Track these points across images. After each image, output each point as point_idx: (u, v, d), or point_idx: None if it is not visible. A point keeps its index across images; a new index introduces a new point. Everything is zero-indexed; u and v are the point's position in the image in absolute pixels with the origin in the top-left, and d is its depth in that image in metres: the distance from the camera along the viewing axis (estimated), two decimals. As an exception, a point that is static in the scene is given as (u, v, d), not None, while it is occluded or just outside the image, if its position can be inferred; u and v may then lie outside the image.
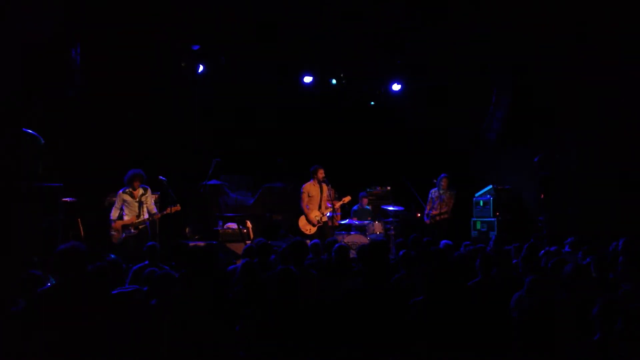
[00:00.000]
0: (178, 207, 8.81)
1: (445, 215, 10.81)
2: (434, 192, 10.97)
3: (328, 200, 10.03)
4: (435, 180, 10.98)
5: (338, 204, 10.27)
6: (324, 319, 4.29)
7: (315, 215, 9.96)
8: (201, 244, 9.25)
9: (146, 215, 8.65)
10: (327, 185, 10.09)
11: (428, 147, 13.30)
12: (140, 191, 8.68)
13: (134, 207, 8.60)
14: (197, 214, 10.21)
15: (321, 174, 9.93)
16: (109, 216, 8.69)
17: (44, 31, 7.78)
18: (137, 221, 8.58)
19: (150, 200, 8.73)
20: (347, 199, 10.35)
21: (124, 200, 8.62)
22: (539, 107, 10.87)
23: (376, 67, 12.27)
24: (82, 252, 3.94)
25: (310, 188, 10.00)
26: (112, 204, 9.71)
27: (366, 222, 10.75)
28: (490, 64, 11.27)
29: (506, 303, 4.79)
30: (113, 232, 8.57)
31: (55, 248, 4.03)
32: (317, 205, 9.99)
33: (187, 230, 10.53)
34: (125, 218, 8.64)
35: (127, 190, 8.65)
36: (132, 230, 8.55)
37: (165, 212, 8.80)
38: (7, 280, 4.87)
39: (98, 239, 9.37)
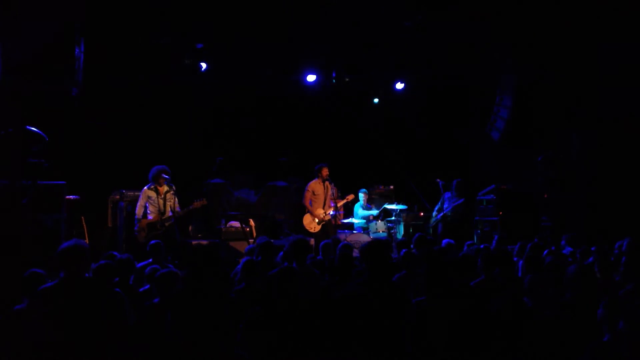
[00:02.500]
0: (204, 202, 8.70)
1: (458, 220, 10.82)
2: (449, 197, 10.88)
3: (331, 199, 10.04)
4: (439, 181, 10.94)
5: (341, 203, 10.27)
6: (325, 318, 4.28)
7: (319, 213, 9.97)
8: (204, 242, 9.27)
9: (170, 213, 8.48)
10: (331, 183, 10.09)
11: (431, 146, 13.30)
12: (166, 188, 8.53)
13: (159, 204, 8.44)
14: (200, 212, 10.19)
15: (325, 172, 9.95)
16: (134, 214, 8.64)
17: (48, 29, 7.80)
18: (161, 219, 8.45)
19: (174, 199, 8.54)
20: (350, 197, 10.33)
21: (149, 197, 8.48)
22: (543, 106, 10.84)
23: (379, 66, 12.25)
24: (85, 249, 3.95)
25: (315, 186, 10.02)
26: (115, 202, 9.75)
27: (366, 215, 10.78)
28: (494, 62, 11.24)
29: (508, 303, 4.77)
30: (139, 231, 8.45)
31: (59, 246, 4.05)
32: (321, 203, 10.01)
33: (190, 228, 10.54)
34: (150, 216, 8.51)
35: (152, 186, 8.52)
36: (158, 227, 8.42)
37: (192, 208, 8.65)
38: (9, 278, 4.88)
39: (101, 237, 9.41)
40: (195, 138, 11.48)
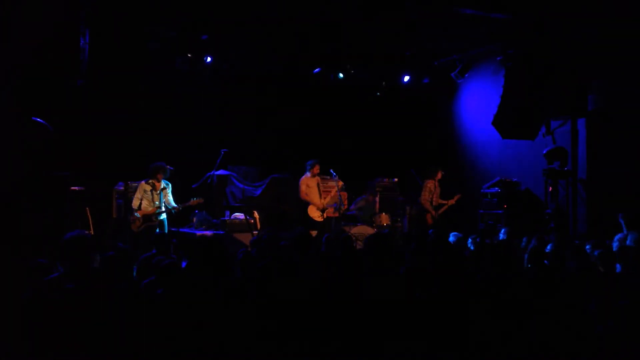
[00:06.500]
0: (201, 200, 9.02)
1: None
2: (433, 184, 10.76)
3: (337, 192, 10.24)
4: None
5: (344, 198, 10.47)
6: (328, 309, 4.30)
7: (317, 202, 10.29)
8: (208, 233, 9.31)
9: (163, 208, 8.79)
10: (334, 176, 10.33)
11: (436, 138, 13.28)
12: (162, 185, 8.82)
13: (155, 198, 8.71)
14: (204, 204, 10.23)
15: (317, 169, 10.35)
16: (130, 204, 8.90)
17: (53, 20, 7.80)
18: (157, 212, 8.72)
19: (169, 195, 8.88)
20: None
21: (145, 191, 8.73)
22: (549, 98, 10.80)
23: (385, 58, 12.22)
24: (88, 240, 3.97)
25: (308, 180, 10.35)
26: (120, 193, 9.81)
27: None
28: (500, 54, 11.19)
29: (514, 297, 4.78)
30: (134, 221, 8.71)
31: (63, 237, 4.06)
32: (316, 195, 10.32)
33: (194, 220, 10.57)
34: (143, 209, 8.75)
35: (149, 181, 8.75)
36: (153, 220, 8.70)
37: (188, 204, 8.94)
38: (13, 268, 4.91)
39: (106, 228, 9.45)
40: (199, 130, 11.48)
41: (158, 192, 8.73)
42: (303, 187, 10.31)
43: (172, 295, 4.19)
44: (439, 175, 10.71)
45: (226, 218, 10.18)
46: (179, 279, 4.27)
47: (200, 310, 4.01)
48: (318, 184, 10.38)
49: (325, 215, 10.27)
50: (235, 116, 11.94)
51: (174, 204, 8.87)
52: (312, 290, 4.49)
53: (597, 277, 4.67)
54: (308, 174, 10.36)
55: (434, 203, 10.64)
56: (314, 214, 10.29)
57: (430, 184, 10.62)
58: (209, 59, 11.20)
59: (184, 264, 4.95)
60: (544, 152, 10.62)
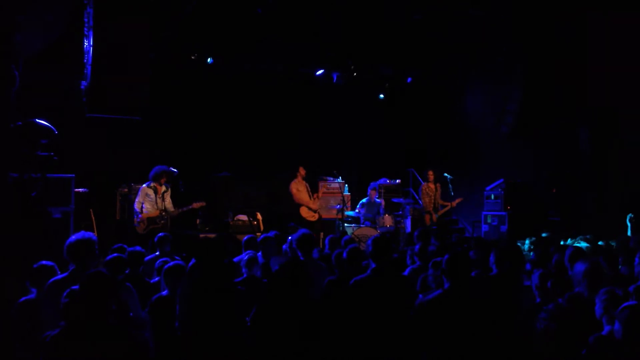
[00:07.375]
0: (203, 203, 9.04)
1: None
2: (428, 187, 10.88)
3: (341, 193, 10.39)
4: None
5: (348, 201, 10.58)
6: (332, 310, 4.30)
7: (309, 203, 10.65)
8: (211, 235, 9.31)
9: (164, 212, 8.85)
10: (336, 178, 10.57)
11: (439, 139, 13.27)
12: (163, 188, 8.87)
13: (157, 202, 8.76)
14: (207, 205, 10.25)
15: (303, 172, 10.77)
16: (133, 208, 8.93)
17: (57, 22, 7.81)
18: (160, 215, 8.78)
19: (169, 199, 8.91)
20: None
21: (147, 195, 8.77)
22: (552, 100, 10.80)
23: (387, 60, 12.23)
24: (93, 242, 3.97)
25: (297, 185, 10.74)
26: (123, 195, 9.84)
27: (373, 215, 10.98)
28: (503, 56, 11.20)
29: (518, 297, 4.78)
30: (139, 223, 8.76)
31: (67, 239, 4.07)
32: (307, 196, 10.71)
33: (197, 222, 10.59)
34: (145, 211, 8.80)
35: (151, 185, 8.80)
36: (157, 222, 8.76)
37: (190, 207, 8.98)
38: (18, 270, 4.92)
39: (111, 230, 9.47)
40: (202, 131, 11.50)
41: (160, 195, 8.79)
42: (294, 191, 10.67)
43: (177, 297, 4.20)
44: (431, 176, 10.85)
45: (229, 219, 10.20)
46: (183, 280, 4.27)
47: (204, 312, 4.01)
48: (307, 187, 10.77)
49: (317, 214, 10.51)
50: (237, 117, 11.95)
51: (171, 207, 8.89)
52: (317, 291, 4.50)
53: (602, 278, 4.64)
54: (296, 179, 10.76)
55: (436, 204, 10.73)
56: (307, 214, 10.59)
57: (424, 187, 10.81)
58: (210, 60, 11.24)
59: (188, 266, 4.94)
60: (547, 153, 10.63)
